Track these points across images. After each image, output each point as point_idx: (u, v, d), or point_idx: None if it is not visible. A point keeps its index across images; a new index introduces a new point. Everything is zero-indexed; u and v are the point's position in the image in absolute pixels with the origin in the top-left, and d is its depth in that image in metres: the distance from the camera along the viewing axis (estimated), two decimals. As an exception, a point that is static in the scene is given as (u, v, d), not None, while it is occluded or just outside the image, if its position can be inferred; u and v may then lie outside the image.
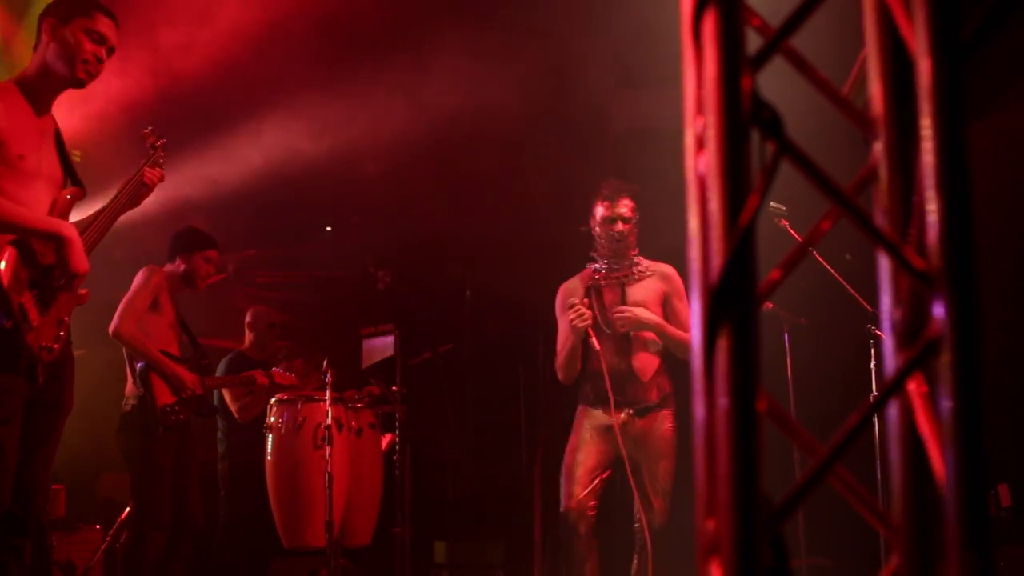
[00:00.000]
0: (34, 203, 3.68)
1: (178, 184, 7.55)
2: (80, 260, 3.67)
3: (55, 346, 3.69)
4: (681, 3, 1.16)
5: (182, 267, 5.95)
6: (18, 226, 3.58)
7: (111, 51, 3.87)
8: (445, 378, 7.30)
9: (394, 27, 7.16)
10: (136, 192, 4.20)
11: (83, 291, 3.82)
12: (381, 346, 7.15)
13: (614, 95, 7.35)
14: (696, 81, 1.16)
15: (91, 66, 3.79)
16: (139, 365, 5.65)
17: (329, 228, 8.74)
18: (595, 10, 6.79)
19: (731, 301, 1.10)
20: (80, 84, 3.81)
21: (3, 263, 3.54)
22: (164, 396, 5.63)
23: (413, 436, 6.67)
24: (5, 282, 3.52)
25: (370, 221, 8.36)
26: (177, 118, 7.60)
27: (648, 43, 6.14)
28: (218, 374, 6.78)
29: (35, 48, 3.82)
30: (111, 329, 5.62)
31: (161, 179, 4.37)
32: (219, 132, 7.85)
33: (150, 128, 4.50)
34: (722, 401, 1.10)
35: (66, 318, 3.78)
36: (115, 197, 4.12)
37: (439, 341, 7.31)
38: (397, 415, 6.54)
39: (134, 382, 5.69)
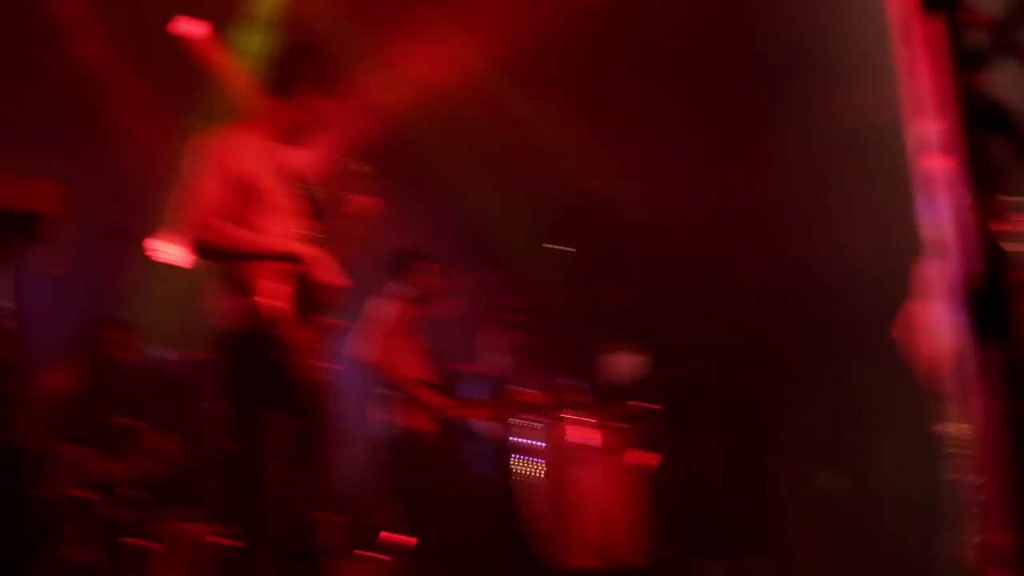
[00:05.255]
0: (278, 235, 3.85)
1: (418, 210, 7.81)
2: (329, 273, 3.82)
3: (315, 375, 3.82)
4: (891, 4, 1.13)
5: (410, 289, 6.02)
6: (257, 253, 3.78)
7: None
8: (699, 392, 7.23)
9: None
10: (349, 224, 4.20)
11: (337, 320, 3.93)
12: (634, 364, 7.15)
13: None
14: (918, 81, 1.12)
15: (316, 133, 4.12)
16: (390, 392, 5.79)
17: (572, 249, 8.81)
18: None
19: (996, 305, 1.06)
20: (306, 144, 4.12)
21: (268, 291, 3.72)
22: (418, 423, 5.78)
23: (669, 453, 6.62)
24: (272, 315, 3.70)
25: (607, 241, 8.40)
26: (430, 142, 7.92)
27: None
28: (468, 397, 6.92)
29: (277, 89, 4.04)
30: (360, 356, 5.77)
31: (374, 208, 4.27)
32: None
33: (356, 158, 4.46)
34: (994, 407, 1.05)
35: (322, 347, 3.90)
36: (336, 227, 4.16)
37: (689, 356, 7.24)
38: (654, 432, 6.50)
39: (387, 411, 5.85)
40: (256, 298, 3.72)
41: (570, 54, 7.55)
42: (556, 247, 8.68)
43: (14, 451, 4.92)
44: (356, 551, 6.75)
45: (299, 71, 4.06)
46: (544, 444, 6.14)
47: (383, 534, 5.99)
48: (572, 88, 7.81)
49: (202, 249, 3.80)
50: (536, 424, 6.24)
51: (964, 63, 1.10)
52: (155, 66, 7.53)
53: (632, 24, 7.32)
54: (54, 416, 5.01)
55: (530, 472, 6.17)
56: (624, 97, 7.74)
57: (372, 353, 5.78)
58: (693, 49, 7.41)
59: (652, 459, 6.56)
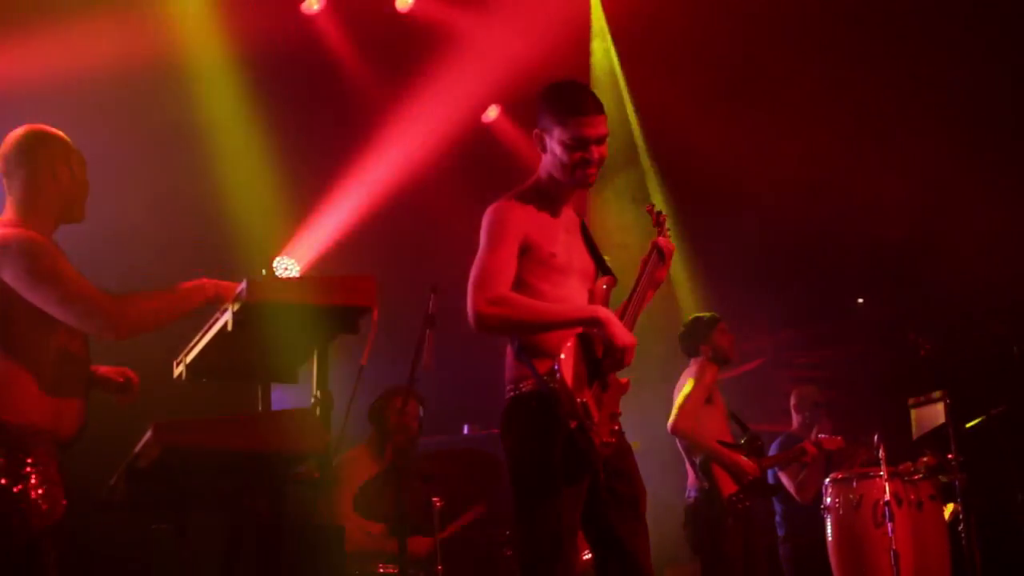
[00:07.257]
0: (570, 298, 3.77)
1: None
2: (623, 334, 3.65)
3: (612, 440, 3.69)
4: None
5: (709, 352, 6.21)
6: (551, 323, 3.66)
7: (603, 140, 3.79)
8: (1003, 440, 7.00)
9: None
10: (655, 270, 4.04)
11: (624, 380, 3.81)
12: (931, 414, 7.02)
13: None
14: None
15: (580, 170, 3.76)
16: (698, 459, 5.96)
17: (861, 300, 8.76)
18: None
19: None
20: (583, 187, 3.86)
21: (563, 356, 3.58)
22: (727, 486, 5.87)
23: (977, 504, 6.45)
24: (568, 381, 3.56)
25: (902, 288, 8.30)
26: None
27: None
28: (774, 456, 6.95)
29: (536, 141, 3.83)
30: (670, 426, 5.93)
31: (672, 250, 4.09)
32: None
33: (651, 204, 4.33)
34: None
35: (617, 410, 3.78)
36: (638, 280, 4.00)
37: (991, 403, 7.04)
38: (957, 484, 6.36)
39: (696, 475, 5.99)
40: (553, 363, 3.58)
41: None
42: (857, 299, 8.63)
43: (316, 530, 5.21)
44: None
45: (542, 114, 3.81)
46: (845, 501, 6.12)
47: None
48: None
49: (485, 325, 3.63)
50: (837, 481, 6.23)
51: None
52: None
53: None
54: (359, 496, 5.09)
55: (832, 531, 6.15)
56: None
57: (681, 419, 5.92)
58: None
59: (958, 511, 6.42)
